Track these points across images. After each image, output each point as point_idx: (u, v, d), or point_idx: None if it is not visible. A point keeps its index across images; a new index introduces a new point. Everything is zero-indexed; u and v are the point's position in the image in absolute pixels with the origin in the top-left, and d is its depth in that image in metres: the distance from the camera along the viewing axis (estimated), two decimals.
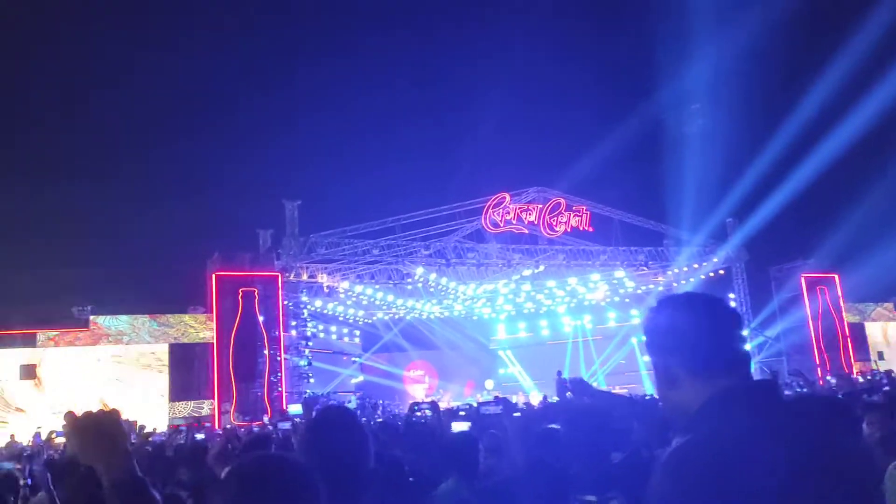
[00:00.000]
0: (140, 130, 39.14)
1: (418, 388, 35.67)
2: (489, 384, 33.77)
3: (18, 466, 5.80)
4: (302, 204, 26.55)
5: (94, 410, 1.71)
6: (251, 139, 39.98)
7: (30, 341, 23.98)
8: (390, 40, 44.85)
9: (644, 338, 1.67)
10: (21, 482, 5.21)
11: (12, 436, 19.78)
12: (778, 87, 30.69)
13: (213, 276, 25.06)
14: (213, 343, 24.76)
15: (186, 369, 26.00)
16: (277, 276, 25.48)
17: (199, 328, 25.35)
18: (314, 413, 2.00)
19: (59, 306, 25.63)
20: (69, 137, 34.68)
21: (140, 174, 36.84)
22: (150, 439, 8.46)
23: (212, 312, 25.02)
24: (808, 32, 25.74)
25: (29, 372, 23.53)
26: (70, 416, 1.67)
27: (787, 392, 13.24)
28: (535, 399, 22.95)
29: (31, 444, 13.67)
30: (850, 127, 24.90)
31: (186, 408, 24.89)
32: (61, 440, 12.57)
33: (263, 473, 1.41)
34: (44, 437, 13.62)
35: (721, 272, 31.20)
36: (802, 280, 30.23)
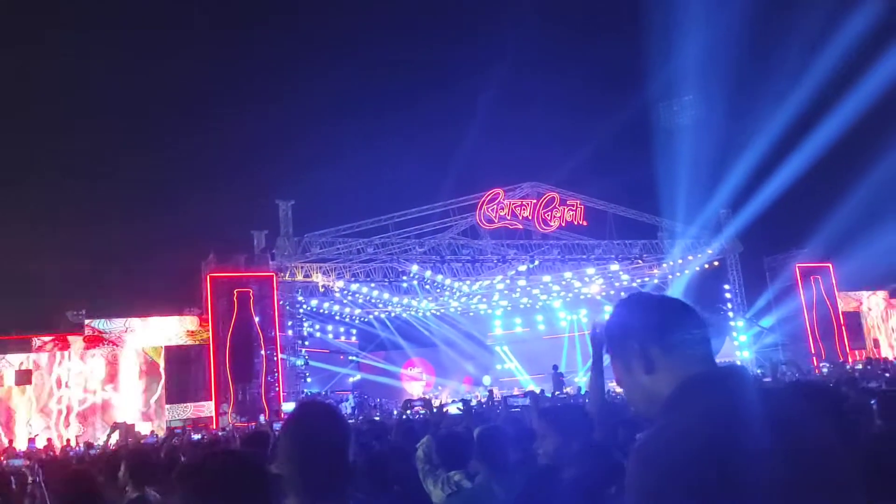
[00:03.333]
0: (133, 131, 39.09)
1: (416, 385, 35.69)
2: (486, 380, 33.78)
3: (27, 464, 6.19)
4: (295, 204, 26.55)
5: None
6: (244, 140, 39.91)
7: (25, 346, 23.90)
8: (380, 39, 44.86)
9: (610, 331, 1.68)
10: (30, 479, 5.52)
11: (10, 441, 19.82)
12: (769, 77, 30.72)
13: (208, 277, 25.02)
14: (209, 345, 24.73)
15: (183, 372, 25.96)
16: (272, 276, 25.43)
17: (195, 330, 25.30)
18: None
19: (54, 311, 25.60)
20: (65, 139, 34.57)
21: (132, 176, 36.77)
22: (142, 442, 8.49)
23: (207, 314, 24.98)
24: (800, 20, 25.76)
25: (24, 377, 23.47)
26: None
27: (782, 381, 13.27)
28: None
29: (25, 450, 13.70)
30: (842, 115, 24.94)
31: (185, 410, 24.84)
32: (58, 445, 12.61)
33: (207, 468, 1.52)
34: (39, 443, 13.66)
35: (716, 263, 31.27)
36: (797, 270, 30.31)
